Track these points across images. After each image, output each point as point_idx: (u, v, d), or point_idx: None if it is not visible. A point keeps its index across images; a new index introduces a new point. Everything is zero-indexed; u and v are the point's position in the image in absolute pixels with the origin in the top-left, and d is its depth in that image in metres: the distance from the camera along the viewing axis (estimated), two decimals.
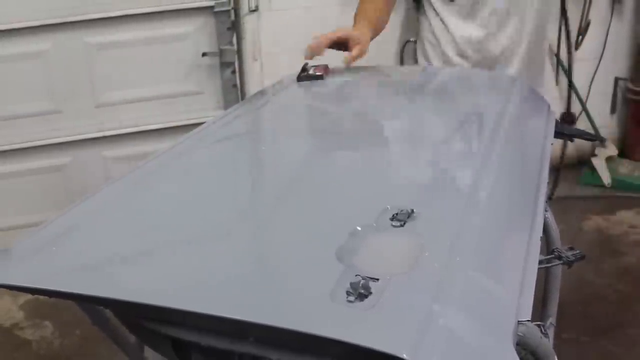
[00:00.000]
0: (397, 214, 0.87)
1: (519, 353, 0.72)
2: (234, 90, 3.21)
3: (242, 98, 3.18)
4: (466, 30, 1.85)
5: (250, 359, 0.79)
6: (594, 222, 3.23)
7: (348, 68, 1.68)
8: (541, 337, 0.79)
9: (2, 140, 2.87)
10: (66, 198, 2.88)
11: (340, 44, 1.67)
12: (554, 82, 3.71)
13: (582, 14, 3.59)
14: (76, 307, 1.02)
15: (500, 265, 0.86)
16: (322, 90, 1.70)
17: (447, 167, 1.12)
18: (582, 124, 3.68)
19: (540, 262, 1.03)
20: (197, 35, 3.06)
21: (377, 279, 0.72)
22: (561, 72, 3.68)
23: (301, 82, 1.60)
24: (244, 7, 3.15)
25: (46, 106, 2.91)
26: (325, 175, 1.12)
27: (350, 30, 1.70)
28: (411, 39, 3.34)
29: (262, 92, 1.69)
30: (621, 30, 3.74)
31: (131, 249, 0.89)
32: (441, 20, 1.87)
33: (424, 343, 0.64)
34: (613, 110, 3.92)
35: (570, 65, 3.56)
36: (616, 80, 3.85)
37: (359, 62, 1.70)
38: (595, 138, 2.78)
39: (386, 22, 1.87)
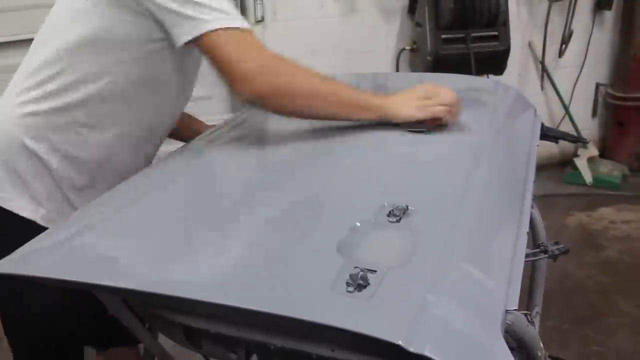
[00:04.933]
0: (393, 210, 0.87)
1: (507, 340, 0.72)
2: None
3: None
4: None
5: (256, 345, 0.79)
6: (577, 218, 3.23)
7: (355, 74, 1.62)
8: (527, 325, 0.79)
9: None
10: None
11: None
12: (539, 88, 3.72)
13: (566, 23, 3.59)
14: None
15: (489, 258, 0.86)
16: None
17: (441, 166, 1.12)
18: (565, 127, 3.68)
19: (527, 255, 1.02)
20: None
21: (375, 271, 0.72)
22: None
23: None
24: (251, 18, 3.15)
25: None
26: (326, 174, 1.12)
27: None
28: (406, 47, 3.36)
29: None
30: (602, 39, 3.74)
31: (145, 243, 0.89)
32: None
33: (418, 331, 0.64)
34: (594, 113, 3.92)
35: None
36: (597, 85, 3.85)
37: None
38: (578, 140, 2.78)
39: None
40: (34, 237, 0.93)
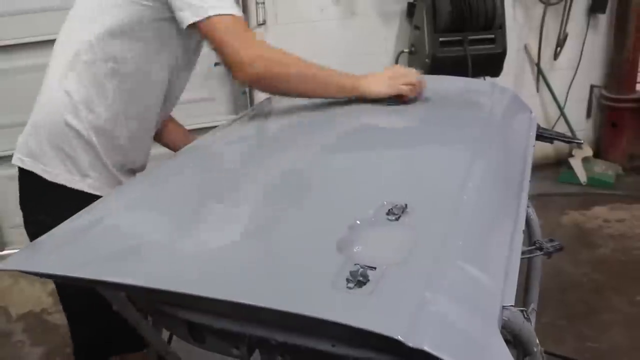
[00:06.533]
0: (392, 208, 0.87)
1: (503, 336, 0.72)
2: (243, 96, 3.20)
3: (251, 104, 3.18)
4: None
5: (258, 340, 0.79)
6: (572, 216, 3.23)
7: None
8: (524, 321, 0.78)
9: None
10: None
11: None
12: (534, 89, 3.71)
13: (561, 27, 3.59)
14: None
15: (486, 255, 0.86)
16: None
17: (439, 166, 1.12)
18: (560, 128, 3.68)
19: (523, 253, 1.02)
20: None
21: (374, 268, 0.72)
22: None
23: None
24: (253, 21, 3.15)
25: None
26: (326, 173, 1.12)
27: None
28: (404, 50, 3.36)
29: (269, 99, 1.69)
30: (596, 42, 3.74)
31: (150, 240, 0.89)
32: None
33: (417, 326, 0.64)
34: (588, 115, 3.92)
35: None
36: (591, 87, 3.85)
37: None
38: (573, 140, 2.78)
39: None
40: (84, 207, 1.01)
